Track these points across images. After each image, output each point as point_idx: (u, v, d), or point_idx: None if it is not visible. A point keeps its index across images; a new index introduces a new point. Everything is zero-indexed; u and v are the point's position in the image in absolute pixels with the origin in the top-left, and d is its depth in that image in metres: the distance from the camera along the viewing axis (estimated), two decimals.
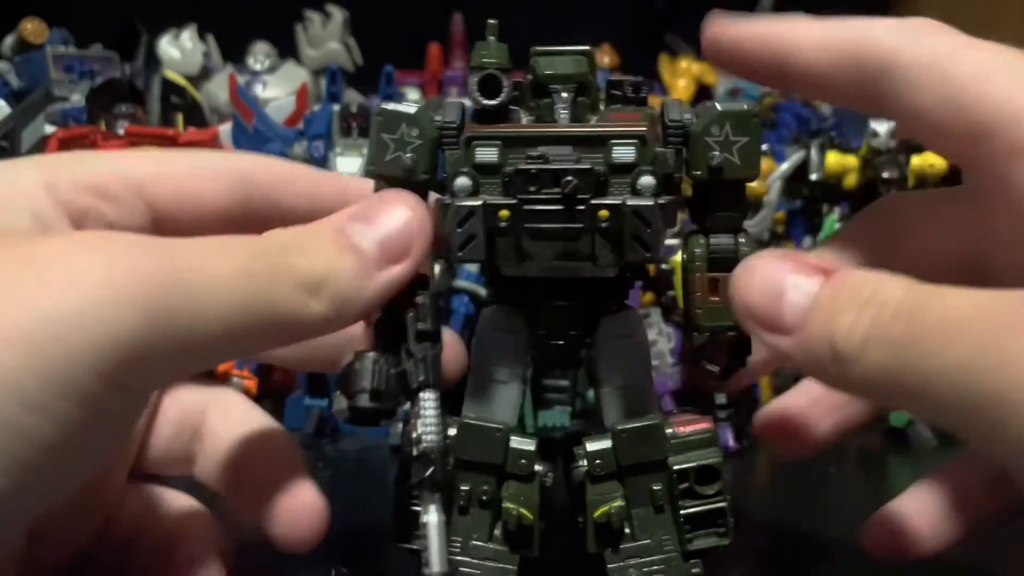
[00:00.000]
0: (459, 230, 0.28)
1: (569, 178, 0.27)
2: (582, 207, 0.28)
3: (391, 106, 0.29)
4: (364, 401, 0.27)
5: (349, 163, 0.60)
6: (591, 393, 0.52)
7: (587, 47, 0.29)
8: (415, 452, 0.27)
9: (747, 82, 0.77)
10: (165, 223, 0.28)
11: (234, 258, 0.25)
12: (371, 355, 0.28)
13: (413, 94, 0.78)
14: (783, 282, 0.26)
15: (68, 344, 0.21)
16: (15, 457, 0.21)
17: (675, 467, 0.29)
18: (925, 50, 0.27)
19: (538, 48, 0.29)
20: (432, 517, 0.26)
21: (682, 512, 0.29)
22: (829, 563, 0.38)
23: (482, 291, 0.57)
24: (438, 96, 0.80)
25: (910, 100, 0.27)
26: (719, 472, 0.29)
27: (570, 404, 0.51)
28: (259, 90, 0.76)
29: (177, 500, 0.33)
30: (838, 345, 0.24)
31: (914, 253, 0.31)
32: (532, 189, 0.28)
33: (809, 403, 0.35)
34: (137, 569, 0.31)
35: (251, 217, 0.30)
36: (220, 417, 0.32)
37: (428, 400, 0.27)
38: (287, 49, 0.80)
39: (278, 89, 0.77)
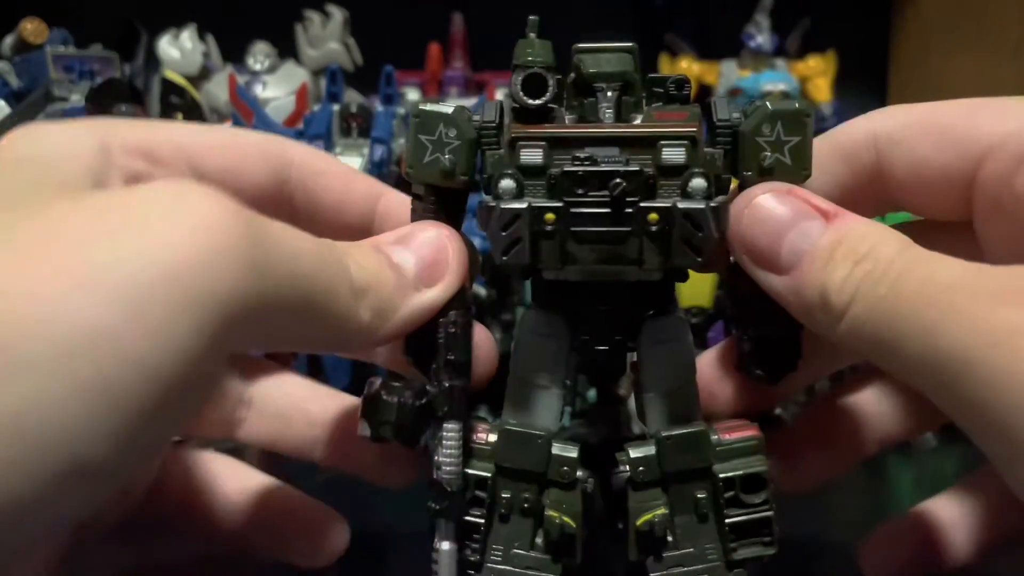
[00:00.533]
0: (504, 233, 0.27)
1: (618, 180, 0.27)
2: (630, 210, 0.27)
3: (428, 107, 0.29)
4: (387, 433, 0.28)
5: (349, 163, 0.60)
6: (591, 393, 0.52)
7: (632, 43, 0.29)
8: (435, 477, 0.27)
9: (748, 82, 0.77)
10: None
11: (310, 239, 0.24)
12: (397, 386, 0.28)
13: (413, 94, 0.78)
14: (784, 221, 0.26)
15: (173, 298, 0.19)
16: (113, 419, 0.19)
17: (721, 475, 0.29)
18: (910, 112, 0.29)
19: (581, 45, 0.28)
20: (445, 545, 0.27)
21: (727, 521, 0.28)
22: (829, 564, 0.38)
23: (482, 291, 0.57)
24: (438, 96, 0.79)
25: (906, 159, 0.28)
26: (765, 481, 0.29)
27: (570, 404, 0.51)
28: (259, 90, 0.76)
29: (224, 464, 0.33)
30: (829, 296, 0.24)
31: None
32: (580, 192, 0.27)
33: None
34: (185, 535, 0.32)
35: (283, 202, 0.30)
36: (269, 382, 0.33)
37: (451, 432, 0.27)
38: (287, 49, 0.80)
39: (278, 89, 0.77)
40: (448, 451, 0.27)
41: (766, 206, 0.27)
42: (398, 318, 0.27)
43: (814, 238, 0.25)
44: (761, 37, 0.79)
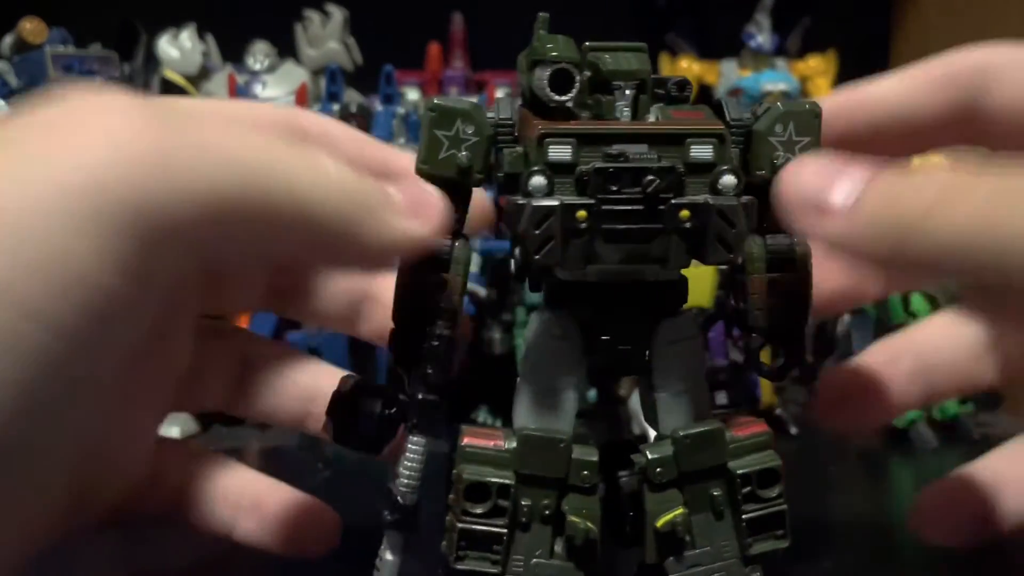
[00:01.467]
0: (536, 232, 0.26)
1: (651, 177, 0.26)
2: (663, 207, 0.27)
3: (444, 101, 0.28)
4: (353, 444, 0.28)
5: None
6: (592, 393, 0.52)
7: (642, 43, 0.29)
8: (390, 487, 0.27)
9: (748, 82, 0.77)
10: None
11: (259, 137, 0.22)
12: (368, 392, 0.28)
13: (413, 94, 0.78)
14: (836, 170, 0.24)
15: (64, 225, 0.17)
16: (19, 380, 0.17)
17: (738, 471, 0.29)
18: (1018, 48, 0.28)
19: (593, 43, 0.28)
20: (389, 556, 0.27)
21: (744, 516, 0.29)
22: (829, 564, 0.38)
23: (481, 291, 0.57)
24: (437, 95, 0.79)
25: (1008, 91, 0.27)
26: (779, 475, 0.29)
27: None
28: (258, 90, 0.76)
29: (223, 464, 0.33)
30: (905, 201, 0.22)
31: None
32: (612, 189, 0.26)
33: (875, 369, 0.32)
34: (183, 533, 0.31)
35: None
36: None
37: (415, 447, 0.27)
38: (286, 49, 0.79)
39: (277, 89, 0.77)
40: (409, 465, 0.27)
41: (818, 160, 0.25)
42: (386, 232, 0.25)
43: (870, 176, 0.24)
44: (761, 37, 0.79)
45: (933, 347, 0.33)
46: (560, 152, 0.27)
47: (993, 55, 0.29)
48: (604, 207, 0.26)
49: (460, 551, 0.28)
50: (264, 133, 0.23)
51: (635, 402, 0.50)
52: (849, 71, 0.84)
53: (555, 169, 0.27)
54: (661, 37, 0.83)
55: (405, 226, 0.26)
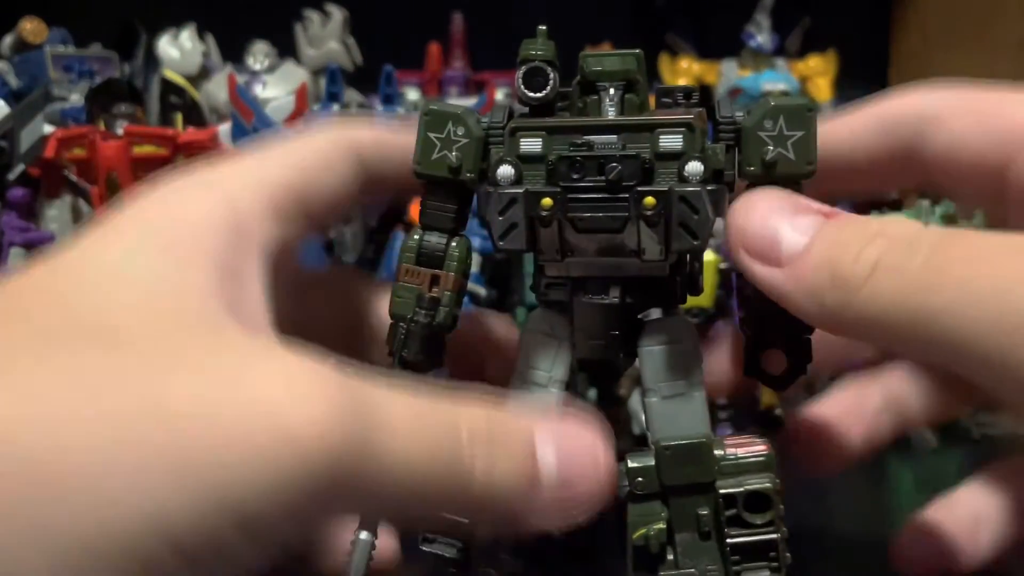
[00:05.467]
0: (501, 218, 0.27)
1: (614, 164, 0.27)
2: (627, 195, 0.27)
3: (438, 106, 0.29)
4: None
5: None
6: (591, 393, 0.52)
7: (637, 50, 0.29)
8: None
9: (748, 82, 0.77)
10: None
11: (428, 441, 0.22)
12: None
13: (413, 94, 0.78)
14: (783, 214, 0.25)
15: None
16: None
17: (722, 491, 0.27)
18: (954, 92, 0.28)
19: (587, 52, 0.29)
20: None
21: (728, 541, 0.27)
22: (829, 564, 0.38)
23: (482, 291, 0.57)
24: (438, 95, 0.79)
25: (944, 137, 0.27)
26: (771, 500, 0.27)
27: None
28: (259, 90, 0.76)
29: None
30: (842, 270, 0.23)
31: None
32: (576, 177, 0.27)
33: (842, 412, 0.33)
34: None
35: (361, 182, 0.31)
36: None
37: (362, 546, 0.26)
38: (286, 49, 0.79)
39: (277, 89, 0.76)
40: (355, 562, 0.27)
41: (764, 200, 0.26)
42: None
43: (816, 226, 0.25)
44: (761, 37, 0.79)
45: (900, 379, 0.33)
46: (531, 145, 0.27)
47: (930, 100, 0.29)
48: (570, 195, 0.27)
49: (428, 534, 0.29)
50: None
51: (635, 402, 0.50)
52: (849, 71, 0.84)
53: (526, 160, 0.27)
54: (661, 37, 0.83)
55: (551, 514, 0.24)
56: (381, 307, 0.31)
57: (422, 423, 0.22)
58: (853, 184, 0.31)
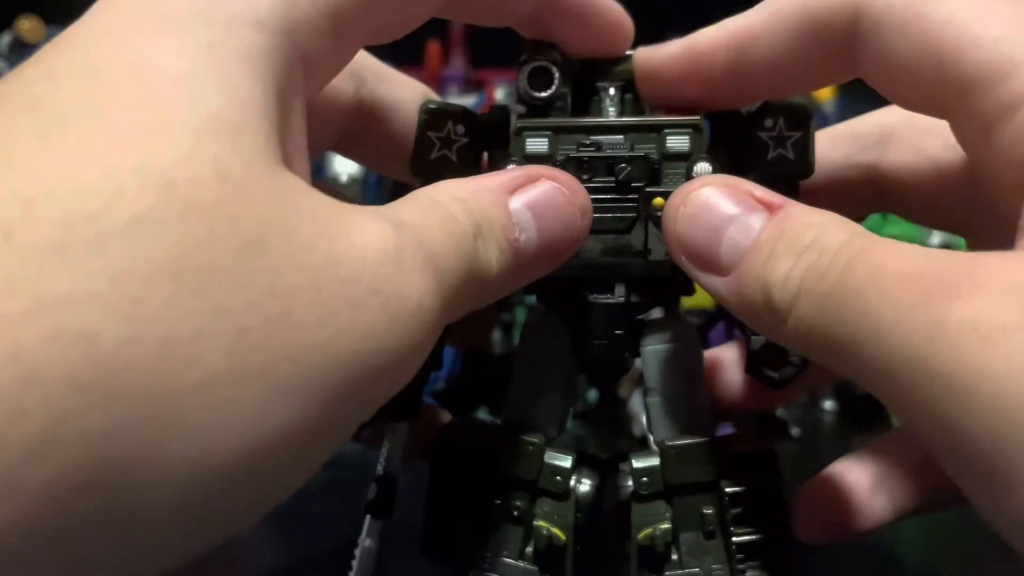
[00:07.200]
0: None
1: (623, 165, 0.27)
2: (636, 195, 0.27)
3: (437, 105, 0.29)
4: None
5: (348, 161, 0.59)
6: (591, 393, 0.52)
7: (632, 51, 0.29)
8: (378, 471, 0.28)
9: None
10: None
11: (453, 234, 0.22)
12: None
13: None
14: (723, 216, 0.24)
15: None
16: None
17: (727, 490, 0.27)
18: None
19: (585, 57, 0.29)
20: (368, 543, 0.26)
21: (734, 540, 0.27)
22: (829, 564, 0.38)
23: None
24: (437, 94, 0.79)
25: (880, 53, 0.24)
26: (777, 498, 0.28)
27: (571, 405, 0.51)
28: None
29: None
30: (772, 294, 0.22)
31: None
32: (585, 177, 0.27)
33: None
34: None
35: (363, 107, 0.31)
36: None
37: (395, 431, 0.28)
38: None
39: None
40: (389, 450, 0.28)
41: (704, 201, 0.24)
42: (501, 295, 0.25)
43: (755, 232, 0.23)
44: None
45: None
46: (537, 144, 0.28)
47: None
48: None
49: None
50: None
51: (636, 403, 0.49)
52: None
53: (532, 160, 0.27)
54: (661, 36, 0.83)
55: (533, 276, 0.25)
56: (388, 93, 0.32)
57: (455, 242, 0.22)
58: (778, 84, 0.28)
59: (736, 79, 0.27)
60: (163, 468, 0.16)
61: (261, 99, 0.19)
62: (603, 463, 0.30)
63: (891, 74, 0.24)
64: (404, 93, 0.32)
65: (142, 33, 0.19)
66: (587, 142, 0.27)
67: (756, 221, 0.23)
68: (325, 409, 0.18)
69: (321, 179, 0.59)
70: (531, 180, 0.25)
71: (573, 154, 0.27)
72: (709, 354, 0.33)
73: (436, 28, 0.83)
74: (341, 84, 0.29)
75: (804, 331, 0.21)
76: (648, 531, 0.28)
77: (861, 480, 0.29)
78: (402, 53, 0.78)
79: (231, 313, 0.17)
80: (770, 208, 0.23)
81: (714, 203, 0.24)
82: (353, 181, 0.59)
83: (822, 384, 0.52)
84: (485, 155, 0.30)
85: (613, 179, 0.27)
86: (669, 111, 0.29)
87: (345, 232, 0.19)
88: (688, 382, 0.29)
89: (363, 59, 0.31)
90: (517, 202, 0.24)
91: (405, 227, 0.21)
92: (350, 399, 0.19)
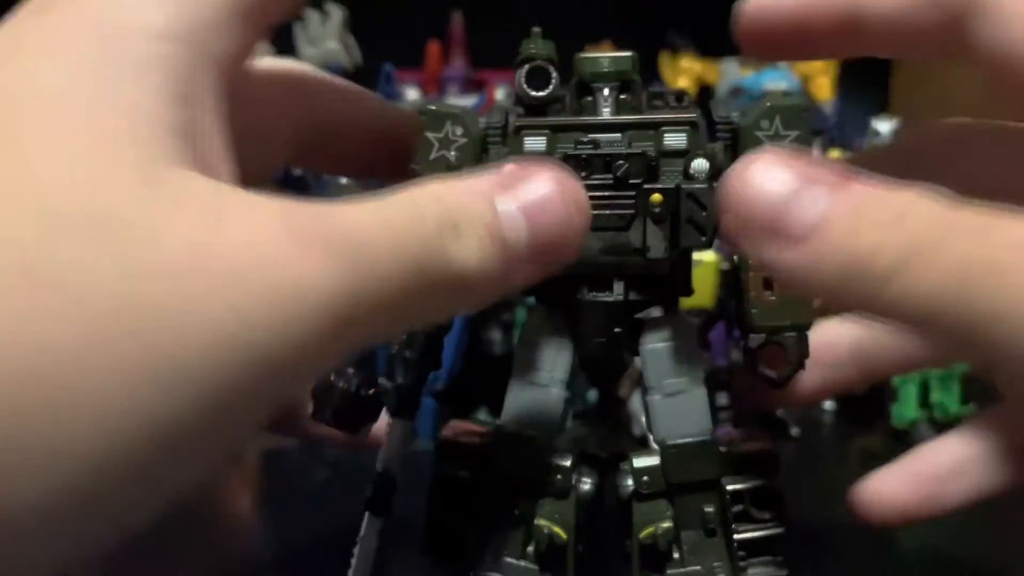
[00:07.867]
0: None
1: (621, 162, 0.27)
2: (634, 192, 0.27)
3: (435, 106, 0.29)
4: (327, 416, 0.28)
5: None
6: (591, 393, 0.52)
7: (631, 52, 0.29)
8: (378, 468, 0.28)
9: (749, 81, 0.77)
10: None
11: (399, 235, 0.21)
12: (349, 371, 0.28)
13: (412, 93, 0.78)
14: (790, 186, 0.21)
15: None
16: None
17: (729, 487, 0.28)
18: None
19: (581, 55, 0.29)
20: (366, 541, 0.27)
21: (736, 537, 0.28)
22: (829, 564, 0.38)
23: None
24: (437, 95, 0.79)
25: (995, 35, 0.23)
26: (778, 496, 0.28)
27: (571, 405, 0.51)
28: None
29: None
30: (865, 260, 0.20)
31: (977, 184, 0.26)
32: (583, 175, 0.27)
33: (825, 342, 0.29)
34: None
35: (317, 127, 0.30)
36: None
37: (394, 430, 0.28)
38: (286, 48, 0.79)
39: None
40: (388, 444, 0.28)
41: (766, 172, 0.22)
42: (494, 298, 0.23)
43: (831, 202, 0.21)
44: None
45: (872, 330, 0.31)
46: (535, 143, 0.28)
47: None
48: None
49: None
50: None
51: (636, 403, 0.50)
52: (850, 70, 0.84)
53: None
54: (661, 36, 0.83)
55: (525, 278, 0.24)
56: (338, 106, 0.31)
57: (395, 233, 0.21)
58: (889, 46, 0.26)
59: (845, 33, 0.26)
60: (23, 459, 0.16)
61: (151, 106, 0.19)
62: (603, 461, 0.30)
63: (1002, 57, 0.23)
64: (353, 103, 0.31)
65: (31, 54, 0.20)
66: (585, 140, 0.27)
67: (824, 193, 0.21)
68: (202, 403, 0.17)
69: (321, 179, 0.59)
70: (524, 175, 0.24)
71: (571, 151, 0.27)
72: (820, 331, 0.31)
73: (436, 28, 0.84)
74: (287, 101, 0.29)
75: (918, 298, 0.19)
76: (650, 530, 0.28)
77: (939, 468, 0.29)
78: (402, 53, 0.78)
79: (81, 297, 0.16)
80: (835, 186, 0.22)
81: (777, 173, 0.22)
82: (353, 180, 0.59)
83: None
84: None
85: (611, 176, 0.27)
86: (764, 60, 0.28)
87: (225, 219, 0.19)
88: (688, 380, 0.29)
89: (309, 73, 0.30)
90: (506, 197, 0.23)
91: (314, 215, 0.20)
92: (233, 392, 0.18)
